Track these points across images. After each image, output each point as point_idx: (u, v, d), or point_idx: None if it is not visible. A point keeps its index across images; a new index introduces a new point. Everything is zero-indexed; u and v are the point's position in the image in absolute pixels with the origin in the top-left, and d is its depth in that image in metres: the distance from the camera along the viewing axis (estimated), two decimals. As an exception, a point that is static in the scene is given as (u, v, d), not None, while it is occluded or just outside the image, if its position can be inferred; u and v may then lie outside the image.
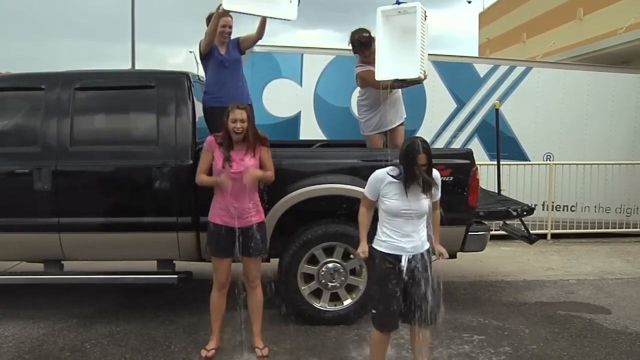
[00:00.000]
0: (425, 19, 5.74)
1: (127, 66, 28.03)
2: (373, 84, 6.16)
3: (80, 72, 6.00)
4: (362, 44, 6.31)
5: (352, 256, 5.62)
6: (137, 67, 28.09)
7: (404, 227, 4.15)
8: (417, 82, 6.02)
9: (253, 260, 4.98)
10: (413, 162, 4.08)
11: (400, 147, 4.23)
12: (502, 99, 9.65)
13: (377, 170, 4.32)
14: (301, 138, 9.03)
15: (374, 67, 6.22)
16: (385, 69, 5.82)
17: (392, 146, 6.35)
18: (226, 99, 5.71)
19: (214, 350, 5.01)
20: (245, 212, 4.85)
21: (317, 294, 5.67)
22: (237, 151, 4.85)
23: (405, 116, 6.71)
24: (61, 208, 5.53)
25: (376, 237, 4.25)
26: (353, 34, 6.35)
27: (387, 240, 4.17)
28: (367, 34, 6.28)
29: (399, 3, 5.77)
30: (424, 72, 5.80)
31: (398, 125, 6.60)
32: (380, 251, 4.19)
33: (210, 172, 4.92)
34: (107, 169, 5.63)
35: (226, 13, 5.81)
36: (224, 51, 6.25)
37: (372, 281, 4.44)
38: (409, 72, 5.74)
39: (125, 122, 5.91)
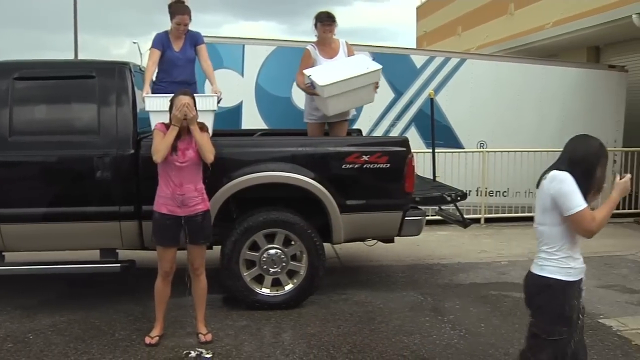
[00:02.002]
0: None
1: (70, 56, 27.36)
2: (300, 70, 6.55)
3: (19, 62, 5.84)
4: (329, 17, 6.53)
5: (292, 242, 5.65)
6: (80, 57, 27.47)
7: (579, 243, 3.36)
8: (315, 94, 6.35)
9: (198, 248, 4.94)
10: (604, 165, 3.34)
11: (581, 146, 3.39)
12: (437, 89, 9.78)
13: (561, 173, 3.30)
14: (243, 127, 8.99)
15: (320, 51, 6.55)
16: (323, 75, 6.21)
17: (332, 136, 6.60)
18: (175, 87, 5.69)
19: (157, 337, 4.95)
20: (191, 200, 4.81)
21: (259, 279, 5.67)
22: (182, 141, 4.81)
23: (353, 114, 6.78)
24: (1, 199, 5.38)
25: (554, 264, 3.29)
26: (323, 11, 6.62)
27: (574, 265, 3.30)
28: (334, 16, 6.55)
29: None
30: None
31: (342, 120, 6.65)
32: (572, 281, 3.28)
33: None
34: (48, 159, 5.50)
35: None
36: (179, 47, 6.17)
37: (554, 320, 3.30)
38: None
39: (66, 112, 5.75)
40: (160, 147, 4.75)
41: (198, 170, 4.89)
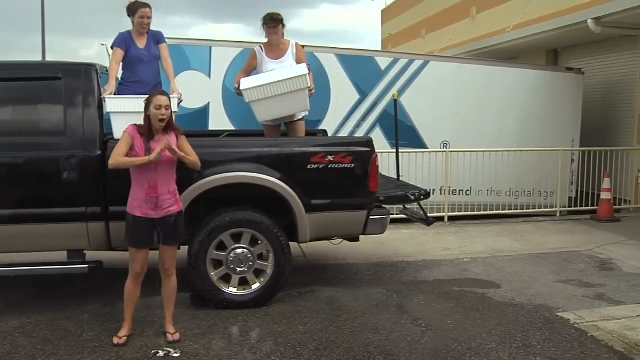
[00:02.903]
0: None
1: (38, 58, 26.96)
2: (241, 70, 6.73)
3: None
4: (273, 19, 6.49)
5: (259, 242, 5.63)
6: (48, 59, 27.07)
7: None
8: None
9: (170, 248, 4.91)
10: None
11: None
12: (402, 90, 9.88)
13: None
14: (210, 128, 8.96)
15: (267, 52, 6.55)
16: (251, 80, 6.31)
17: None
18: (141, 86, 5.69)
19: (125, 337, 4.89)
20: (165, 202, 4.78)
21: (226, 279, 5.64)
22: (156, 142, 4.75)
23: (306, 113, 6.75)
24: (-34, 201, 5.29)
25: None
26: (268, 13, 6.55)
27: None
28: (281, 17, 6.51)
29: (309, 69, 6.30)
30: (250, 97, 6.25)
31: (297, 120, 6.61)
32: None
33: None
34: (14, 161, 5.42)
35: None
36: (143, 45, 6.05)
37: None
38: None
39: (32, 114, 5.67)
40: (121, 160, 4.70)
41: (172, 171, 4.86)
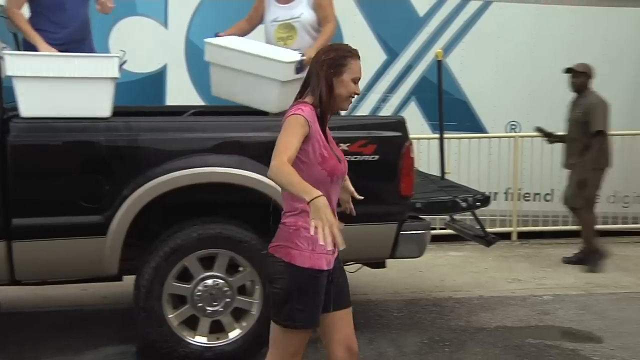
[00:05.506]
0: None
1: None
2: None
3: None
4: None
5: (240, 268, 5.65)
6: None
7: None
8: None
9: (349, 311, 4.30)
10: None
11: None
12: (448, 47, 9.90)
13: None
14: (168, 103, 9.00)
15: None
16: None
17: None
18: (64, 38, 5.77)
19: None
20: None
21: (191, 323, 5.64)
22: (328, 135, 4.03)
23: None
24: None
25: None
26: None
27: None
28: None
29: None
30: None
31: None
32: None
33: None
34: None
35: None
36: None
37: None
38: None
39: None
40: (287, 175, 3.50)
41: None
